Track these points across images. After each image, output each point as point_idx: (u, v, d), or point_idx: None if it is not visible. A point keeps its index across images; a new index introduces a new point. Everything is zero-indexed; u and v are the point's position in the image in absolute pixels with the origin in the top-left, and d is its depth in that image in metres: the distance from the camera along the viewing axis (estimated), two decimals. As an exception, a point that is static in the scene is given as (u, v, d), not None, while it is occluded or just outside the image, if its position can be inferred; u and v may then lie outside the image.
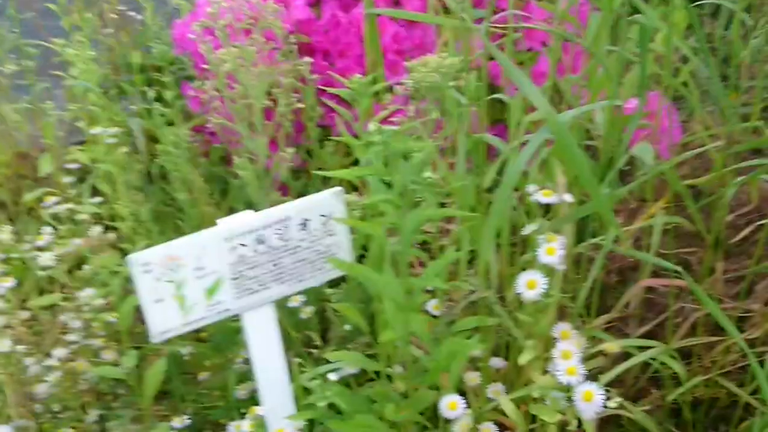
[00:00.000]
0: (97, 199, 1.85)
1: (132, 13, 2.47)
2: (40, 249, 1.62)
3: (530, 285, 1.11)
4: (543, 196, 1.19)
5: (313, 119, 1.89)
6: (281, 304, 1.60)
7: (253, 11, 1.75)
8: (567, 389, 1.08)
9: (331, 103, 1.53)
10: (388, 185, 1.11)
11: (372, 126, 1.05)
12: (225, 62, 1.67)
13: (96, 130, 1.92)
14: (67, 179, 1.93)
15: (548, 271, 1.13)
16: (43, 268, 1.53)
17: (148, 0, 2.53)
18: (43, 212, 1.89)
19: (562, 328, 1.15)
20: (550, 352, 1.10)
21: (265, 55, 1.70)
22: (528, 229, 1.17)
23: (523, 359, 1.15)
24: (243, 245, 1.17)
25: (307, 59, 1.80)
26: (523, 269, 1.14)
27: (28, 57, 2.53)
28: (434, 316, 1.33)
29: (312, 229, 1.21)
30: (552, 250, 1.12)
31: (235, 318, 1.23)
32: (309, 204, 1.19)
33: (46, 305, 1.63)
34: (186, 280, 1.16)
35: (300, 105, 1.77)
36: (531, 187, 1.21)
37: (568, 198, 1.21)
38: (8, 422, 1.41)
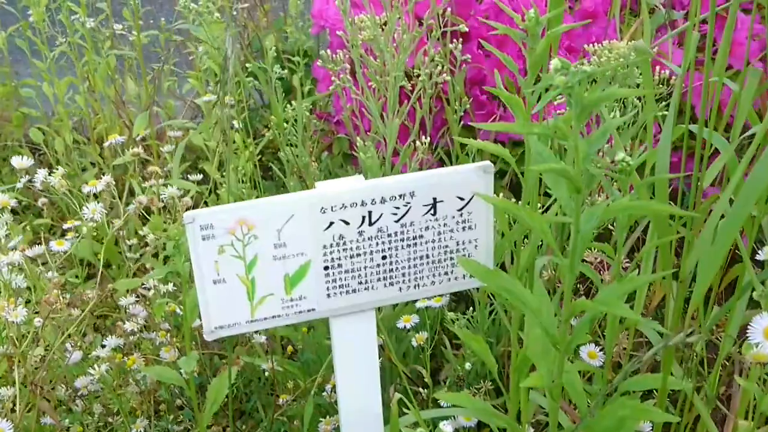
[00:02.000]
0: (197, 177, 1.58)
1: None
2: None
3: None
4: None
5: (457, 114, 1.55)
6: (387, 323, 1.25)
7: None
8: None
9: (498, 90, 1.19)
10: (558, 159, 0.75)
11: (555, 63, 0.70)
12: (363, 29, 1.36)
13: (206, 98, 1.65)
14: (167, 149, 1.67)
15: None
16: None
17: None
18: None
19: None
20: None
21: (411, 31, 1.37)
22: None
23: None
24: (345, 222, 0.84)
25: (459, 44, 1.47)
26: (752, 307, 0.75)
27: (160, 29, 2.34)
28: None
29: (443, 215, 0.86)
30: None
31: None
32: (443, 178, 0.85)
33: (130, 288, 1.34)
34: (260, 258, 0.83)
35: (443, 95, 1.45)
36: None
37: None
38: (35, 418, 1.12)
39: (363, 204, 0.83)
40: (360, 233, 0.84)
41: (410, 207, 0.84)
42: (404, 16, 1.38)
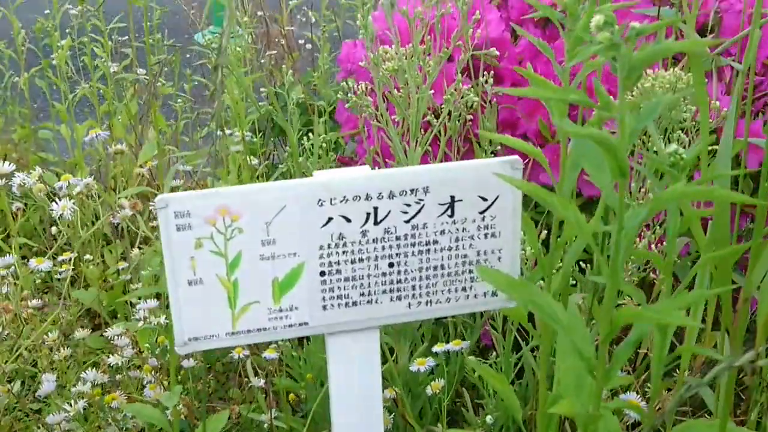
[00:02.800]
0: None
1: (301, 41, 2.16)
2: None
3: None
4: None
5: (486, 154, 1.44)
6: (403, 374, 1.11)
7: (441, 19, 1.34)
8: None
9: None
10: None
11: (597, 18, 0.58)
12: (388, 60, 1.26)
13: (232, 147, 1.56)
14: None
15: None
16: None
17: (324, 43, 2.22)
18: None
19: None
20: None
21: (439, 64, 1.27)
22: None
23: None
24: (345, 219, 0.71)
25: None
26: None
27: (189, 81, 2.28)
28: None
29: (461, 218, 0.74)
30: None
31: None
32: (463, 173, 0.73)
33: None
34: (245, 256, 0.71)
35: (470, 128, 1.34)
36: None
37: None
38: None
39: (368, 198, 0.71)
40: (363, 233, 0.72)
41: (423, 205, 0.72)
42: (434, 50, 1.28)
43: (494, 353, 1.12)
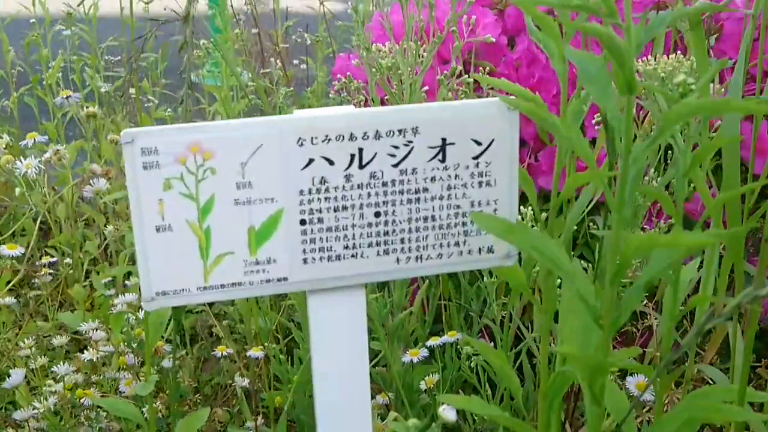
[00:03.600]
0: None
1: (296, 61, 2.13)
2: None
3: None
4: None
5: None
6: (402, 380, 1.04)
7: (437, 23, 1.31)
8: None
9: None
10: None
11: None
12: (383, 57, 1.22)
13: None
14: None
15: None
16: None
17: (320, 65, 2.19)
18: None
19: None
20: None
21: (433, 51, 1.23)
22: None
23: None
24: (328, 161, 0.66)
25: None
26: None
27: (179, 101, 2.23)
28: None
29: (453, 164, 0.68)
30: None
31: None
32: (456, 112, 0.67)
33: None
34: (218, 200, 0.65)
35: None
36: None
37: None
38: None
39: (352, 138, 0.65)
40: (347, 177, 0.66)
41: (412, 148, 0.66)
42: (431, 60, 1.24)
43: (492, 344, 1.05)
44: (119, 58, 2.11)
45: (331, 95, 1.34)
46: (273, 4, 2.07)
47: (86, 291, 1.57)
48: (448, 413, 0.56)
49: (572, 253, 1.30)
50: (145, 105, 2.12)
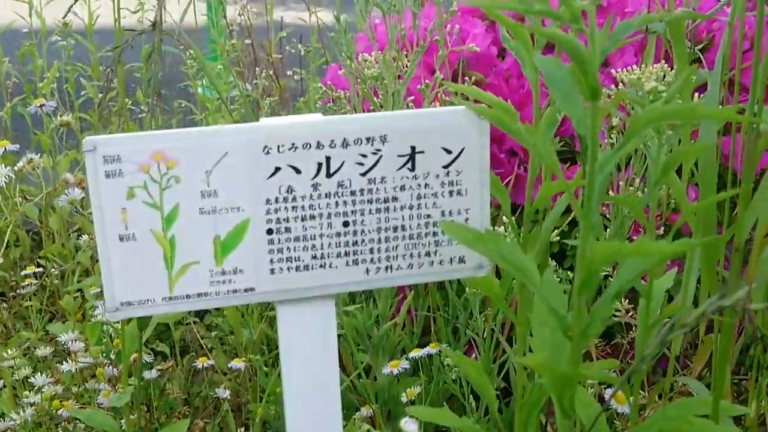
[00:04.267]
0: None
1: (289, 72, 2.13)
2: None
3: None
4: None
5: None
6: (383, 395, 1.03)
7: (422, 32, 1.30)
8: None
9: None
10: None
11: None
12: (368, 67, 1.21)
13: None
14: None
15: None
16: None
17: (313, 76, 2.19)
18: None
19: None
20: None
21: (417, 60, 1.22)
22: None
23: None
24: (295, 169, 0.65)
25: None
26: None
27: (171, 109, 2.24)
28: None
29: (423, 172, 0.67)
30: None
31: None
32: (425, 120, 0.66)
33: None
34: (183, 209, 0.64)
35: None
36: None
37: None
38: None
39: (319, 146, 0.64)
40: (315, 186, 0.65)
41: (381, 156, 0.66)
42: (416, 68, 1.23)
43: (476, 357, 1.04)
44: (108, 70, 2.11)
45: (317, 105, 1.33)
46: (267, 15, 2.07)
47: (77, 302, 1.56)
48: (409, 426, 0.54)
49: (562, 264, 1.28)
50: (139, 116, 2.12)
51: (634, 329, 1.09)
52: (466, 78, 1.38)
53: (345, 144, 0.64)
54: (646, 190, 1.01)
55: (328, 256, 0.67)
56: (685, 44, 0.79)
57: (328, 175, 0.65)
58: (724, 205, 0.95)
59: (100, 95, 2.01)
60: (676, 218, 1.23)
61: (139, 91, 2.20)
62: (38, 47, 2.09)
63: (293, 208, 0.65)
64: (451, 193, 0.67)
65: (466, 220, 0.68)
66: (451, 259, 0.69)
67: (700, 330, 0.82)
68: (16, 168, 0.91)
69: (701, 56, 1.34)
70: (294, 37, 2.20)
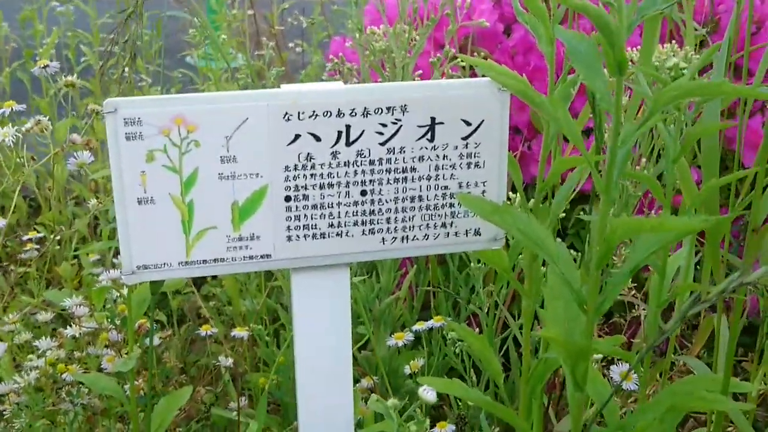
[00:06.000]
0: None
1: (291, 44, 2.11)
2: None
3: None
4: None
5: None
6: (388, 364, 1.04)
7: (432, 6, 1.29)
8: None
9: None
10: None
11: None
12: (377, 40, 1.21)
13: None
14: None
15: None
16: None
17: (315, 49, 2.18)
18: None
19: None
20: None
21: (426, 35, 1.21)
22: None
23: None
24: (314, 137, 0.65)
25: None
26: None
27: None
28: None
29: (442, 144, 0.67)
30: None
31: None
32: (446, 91, 0.66)
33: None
34: (201, 173, 0.64)
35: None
36: None
37: None
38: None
39: (340, 114, 0.64)
40: (334, 155, 0.65)
41: (401, 126, 0.66)
42: (425, 43, 1.23)
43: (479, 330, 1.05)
44: (113, 35, 2.09)
45: (324, 78, 1.33)
46: (269, -15, 2.05)
47: (74, 269, 1.56)
48: (428, 394, 0.55)
49: (563, 243, 1.29)
50: (139, 84, 2.10)
51: (635, 308, 1.10)
52: (474, 54, 1.38)
53: (365, 113, 0.65)
54: (653, 168, 1.02)
55: (345, 225, 0.67)
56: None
57: (348, 144, 0.65)
58: (728, 188, 0.96)
59: (101, 63, 1.99)
60: (679, 200, 1.24)
61: (140, 60, 2.18)
62: (38, 12, 2.07)
63: (312, 175, 0.65)
64: (469, 165, 0.68)
65: (483, 192, 0.69)
66: (466, 230, 0.69)
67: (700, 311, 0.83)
68: (24, 129, 0.90)
69: (708, 39, 1.34)
70: (296, 9, 2.19)
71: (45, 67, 1.02)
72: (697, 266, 0.90)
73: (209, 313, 1.38)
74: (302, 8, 2.20)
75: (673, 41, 0.79)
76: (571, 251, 1.13)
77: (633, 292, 1.08)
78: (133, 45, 1.03)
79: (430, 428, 0.76)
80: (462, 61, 1.11)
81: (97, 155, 1.50)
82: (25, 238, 1.30)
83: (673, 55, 0.85)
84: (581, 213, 1.22)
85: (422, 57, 1.24)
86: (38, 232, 1.50)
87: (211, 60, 1.96)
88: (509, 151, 1.37)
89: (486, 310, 1.02)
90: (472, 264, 1.00)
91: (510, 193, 0.80)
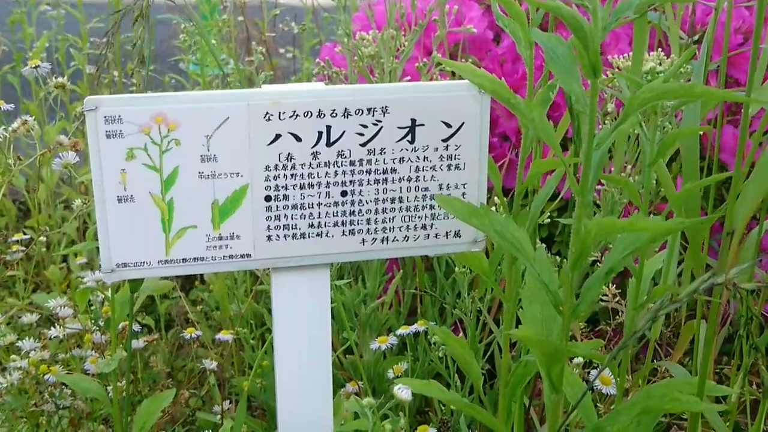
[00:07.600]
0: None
1: (282, 50, 2.12)
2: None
3: None
4: None
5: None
6: (370, 369, 1.04)
7: (420, 12, 1.30)
8: None
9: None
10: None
11: None
12: (366, 45, 1.21)
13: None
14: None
15: None
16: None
17: (306, 55, 2.18)
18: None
19: None
20: None
21: (414, 40, 1.22)
22: None
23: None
24: (295, 137, 0.65)
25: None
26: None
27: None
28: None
29: (422, 145, 0.67)
30: None
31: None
32: (426, 93, 0.67)
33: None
34: (182, 172, 0.64)
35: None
36: None
37: None
38: None
39: (320, 115, 0.65)
40: (314, 155, 0.66)
41: (381, 127, 0.66)
42: (414, 48, 1.23)
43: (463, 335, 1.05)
44: (104, 39, 2.09)
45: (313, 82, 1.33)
46: (260, -8, 2.06)
47: (63, 273, 1.55)
48: (402, 393, 0.55)
49: (550, 249, 1.29)
50: (130, 88, 2.10)
51: (620, 315, 1.10)
52: (463, 60, 1.39)
53: (346, 114, 0.65)
54: (638, 177, 1.02)
55: (325, 225, 0.67)
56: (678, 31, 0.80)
57: (329, 144, 0.65)
58: (708, 193, 0.96)
59: (89, 67, 1.99)
60: (664, 207, 1.25)
61: (130, 64, 2.18)
62: (28, 15, 2.07)
63: (292, 175, 0.65)
64: (449, 167, 0.68)
65: (463, 194, 0.69)
66: (446, 232, 0.69)
67: (681, 318, 0.83)
68: (10, 129, 0.90)
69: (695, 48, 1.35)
70: (288, 16, 2.19)
71: (36, 67, 1.01)
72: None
73: (196, 318, 1.37)
74: (294, 15, 2.20)
75: (660, 50, 0.80)
76: (557, 257, 1.13)
77: (617, 298, 1.08)
78: (138, 47, 1.03)
79: None
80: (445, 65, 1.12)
81: (86, 158, 1.50)
82: (11, 240, 1.30)
83: (660, 63, 0.86)
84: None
85: (410, 62, 1.24)
86: (26, 234, 1.50)
87: (196, 65, 1.96)
88: (498, 158, 1.38)
89: (470, 315, 1.02)
90: (457, 269, 1.00)
91: (496, 198, 0.81)
